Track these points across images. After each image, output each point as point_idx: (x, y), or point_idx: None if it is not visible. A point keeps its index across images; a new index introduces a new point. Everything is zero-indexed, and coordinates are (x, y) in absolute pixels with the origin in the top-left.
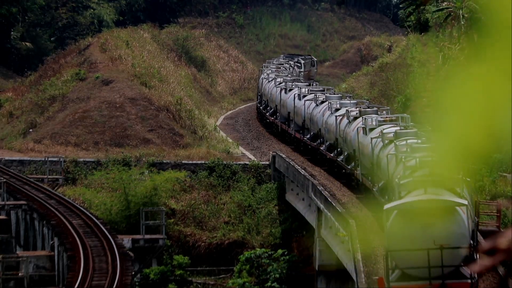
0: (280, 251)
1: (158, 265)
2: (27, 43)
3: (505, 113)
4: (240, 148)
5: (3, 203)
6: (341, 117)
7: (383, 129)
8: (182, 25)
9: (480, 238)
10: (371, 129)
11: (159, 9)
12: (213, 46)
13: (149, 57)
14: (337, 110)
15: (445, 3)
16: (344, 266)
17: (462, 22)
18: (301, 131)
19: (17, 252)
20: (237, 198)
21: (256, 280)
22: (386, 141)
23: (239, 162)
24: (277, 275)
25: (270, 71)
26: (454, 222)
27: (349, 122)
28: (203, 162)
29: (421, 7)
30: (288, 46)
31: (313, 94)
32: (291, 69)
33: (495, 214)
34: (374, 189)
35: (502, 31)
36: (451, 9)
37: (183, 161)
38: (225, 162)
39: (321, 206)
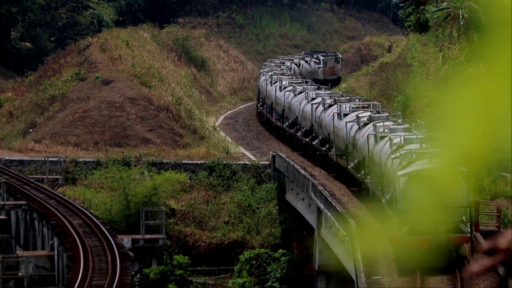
0: (280, 251)
1: (158, 265)
2: (27, 43)
3: (505, 112)
4: (240, 148)
5: (3, 203)
6: (316, 105)
7: (358, 114)
8: (182, 25)
9: (480, 238)
10: (346, 115)
11: (159, 9)
12: (213, 46)
13: (149, 57)
14: (313, 99)
15: (444, 3)
16: (344, 266)
17: (462, 23)
18: (281, 119)
19: (17, 252)
20: (237, 198)
21: (256, 280)
22: (361, 124)
23: (239, 162)
24: (277, 275)
25: (269, 68)
26: (456, 185)
27: (325, 109)
28: (203, 162)
29: (421, 7)
30: (288, 46)
31: (292, 86)
32: (306, 65)
33: (495, 214)
34: (349, 166)
35: (502, 31)
36: (450, 9)
37: (183, 161)
38: (225, 162)
39: (321, 206)
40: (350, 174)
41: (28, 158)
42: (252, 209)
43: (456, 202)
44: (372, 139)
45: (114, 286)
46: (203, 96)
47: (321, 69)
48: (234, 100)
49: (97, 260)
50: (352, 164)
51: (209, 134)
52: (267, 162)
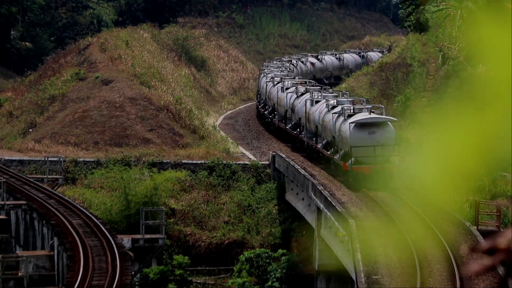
0: (280, 251)
1: (158, 264)
2: (27, 43)
3: (505, 112)
4: (240, 147)
5: (3, 203)
6: (270, 82)
7: (297, 87)
8: (182, 25)
9: (480, 237)
10: (287, 88)
11: (159, 9)
12: (213, 46)
13: (149, 57)
14: (272, 78)
15: (443, 3)
16: (344, 266)
17: (458, 23)
18: (258, 96)
19: (17, 252)
20: (237, 198)
21: (256, 280)
22: (299, 93)
23: (239, 162)
24: (277, 275)
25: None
26: (387, 130)
27: (273, 85)
28: (203, 162)
29: (421, 7)
30: (288, 46)
31: (263, 69)
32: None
33: (495, 214)
34: (287, 127)
35: (501, 32)
36: (450, 9)
37: (183, 161)
38: (225, 162)
39: (321, 206)
40: (288, 133)
41: (28, 158)
42: (252, 209)
43: (388, 142)
44: (308, 103)
45: (114, 286)
46: (203, 96)
47: None
48: (234, 100)
49: (97, 260)
50: (290, 125)
51: (209, 134)
52: (267, 162)
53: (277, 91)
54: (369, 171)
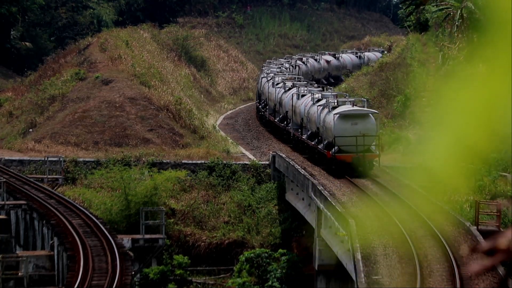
0: (280, 251)
1: (158, 264)
2: (27, 43)
3: (505, 112)
4: (240, 147)
5: (3, 202)
6: (264, 78)
7: (285, 82)
8: (182, 24)
9: (480, 238)
10: (278, 83)
11: (159, 9)
12: (213, 46)
13: (149, 57)
14: (266, 75)
15: (443, 3)
16: (344, 266)
17: (457, 23)
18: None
19: (17, 252)
20: (237, 198)
21: (256, 280)
22: (287, 88)
23: (239, 162)
24: (277, 275)
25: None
26: (369, 121)
27: (267, 80)
28: (203, 162)
29: (421, 7)
30: (288, 46)
31: (262, 67)
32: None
33: (495, 214)
34: (275, 120)
35: (501, 31)
36: (450, 9)
37: (183, 161)
38: (225, 161)
39: (321, 206)
40: (276, 125)
41: (28, 158)
42: (252, 209)
43: (369, 132)
44: (295, 97)
45: (114, 286)
46: (203, 96)
47: None
48: (234, 100)
49: (97, 260)
50: (278, 118)
51: (209, 134)
52: (267, 162)
53: (269, 87)
54: (351, 159)
